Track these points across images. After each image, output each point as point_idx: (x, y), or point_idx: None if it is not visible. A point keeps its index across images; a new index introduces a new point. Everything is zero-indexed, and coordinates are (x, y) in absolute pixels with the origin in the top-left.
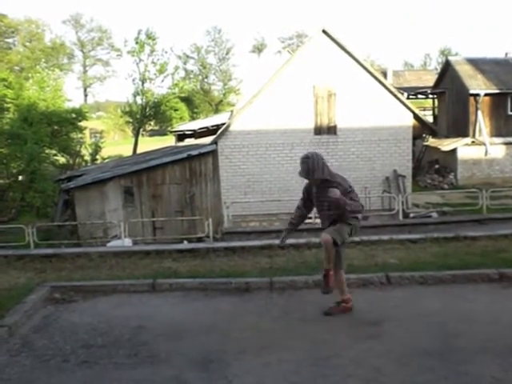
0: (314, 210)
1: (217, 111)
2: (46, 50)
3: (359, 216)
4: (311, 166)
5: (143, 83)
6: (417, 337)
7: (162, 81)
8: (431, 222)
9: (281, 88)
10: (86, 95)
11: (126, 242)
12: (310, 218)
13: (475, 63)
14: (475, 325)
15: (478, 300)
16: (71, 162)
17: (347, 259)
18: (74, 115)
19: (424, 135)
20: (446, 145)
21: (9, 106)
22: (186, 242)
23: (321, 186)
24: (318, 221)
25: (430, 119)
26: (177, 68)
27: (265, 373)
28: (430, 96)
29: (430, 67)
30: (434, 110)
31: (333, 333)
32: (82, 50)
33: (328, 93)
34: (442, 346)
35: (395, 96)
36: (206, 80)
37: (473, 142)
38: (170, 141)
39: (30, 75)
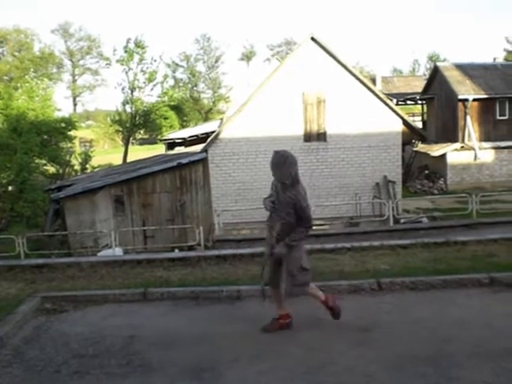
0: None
1: (206, 119)
2: (35, 60)
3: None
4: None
5: (132, 92)
6: (408, 343)
7: (152, 89)
8: (421, 228)
9: (270, 95)
10: (75, 104)
11: (117, 252)
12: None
13: (463, 69)
14: (467, 330)
15: (469, 305)
16: (61, 171)
17: (338, 265)
18: (63, 125)
19: (413, 141)
20: (435, 150)
21: None
22: (177, 250)
23: (282, 188)
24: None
25: (420, 125)
26: (166, 76)
27: (258, 381)
28: (419, 102)
29: (419, 73)
30: (423, 115)
31: (325, 340)
32: (71, 59)
33: (317, 99)
34: (434, 352)
35: (384, 102)
36: (195, 88)
37: (462, 147)
38: (160, 149)
39: (18, 85)
